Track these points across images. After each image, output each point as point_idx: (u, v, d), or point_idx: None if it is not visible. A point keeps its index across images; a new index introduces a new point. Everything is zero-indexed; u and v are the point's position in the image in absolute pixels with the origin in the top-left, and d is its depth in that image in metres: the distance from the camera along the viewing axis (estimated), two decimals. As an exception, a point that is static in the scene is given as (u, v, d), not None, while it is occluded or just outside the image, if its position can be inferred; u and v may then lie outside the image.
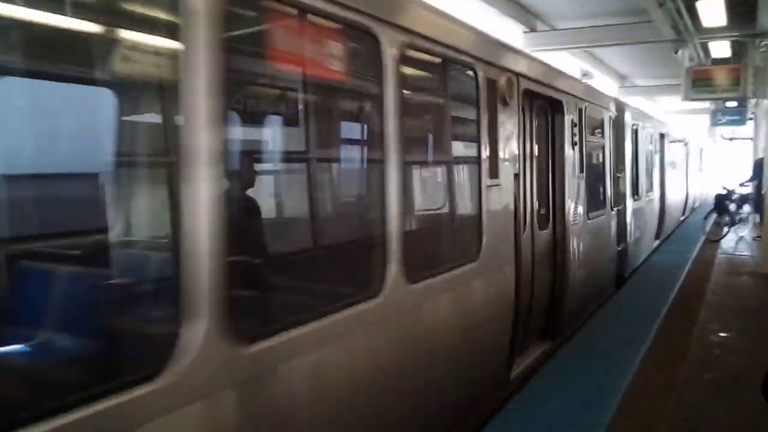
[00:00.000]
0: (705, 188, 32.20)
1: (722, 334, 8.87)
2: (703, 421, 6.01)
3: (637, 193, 13.85)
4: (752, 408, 4.65)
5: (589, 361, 7.70)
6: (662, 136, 17.77)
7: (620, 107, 12.29)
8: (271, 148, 5.75)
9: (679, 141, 21.99)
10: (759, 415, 4.37)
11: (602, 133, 10.84)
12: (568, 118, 8.60)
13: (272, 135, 5.90)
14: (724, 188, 21.32)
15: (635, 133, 13.67)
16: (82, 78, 4.44)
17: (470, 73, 5.79)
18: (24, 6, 3.43)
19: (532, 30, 15.48)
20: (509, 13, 14.34)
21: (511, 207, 6.62)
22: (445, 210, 6.31)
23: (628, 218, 12.77)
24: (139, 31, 3.81)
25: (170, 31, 2.99)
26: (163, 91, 3.83)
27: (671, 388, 6.78)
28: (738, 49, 16.69)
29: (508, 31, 14.69)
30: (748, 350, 7.97)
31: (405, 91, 4.77)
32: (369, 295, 4.26)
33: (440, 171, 6.48)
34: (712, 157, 38.59)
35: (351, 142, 5.76)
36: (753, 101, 19.80)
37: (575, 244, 8.75)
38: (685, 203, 24.46)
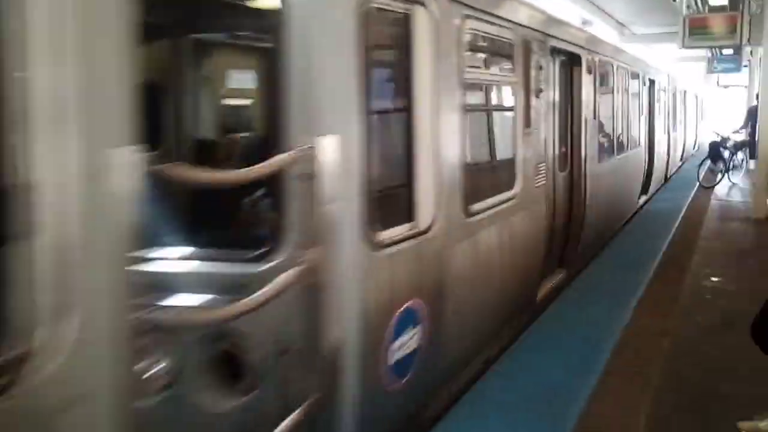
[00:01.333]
0: (703, 134, 32.44)
1: (714, 279, 9.13)
2: (697, 362, 6.28)
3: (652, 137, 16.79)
4: (743, 349, 4.89)
5: (586, 305, 7.98)
6: (676, 89, 19.39)
7: (638, 63, 14.82)
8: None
9: (687, 92, 22.47)
10: (750, 355, 4.61)
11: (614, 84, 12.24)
12: (587, 72, 9.87)
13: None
14: (718, 135, 21.47)
15: (647, 83, 15.95)
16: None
17: (510, 37, 6.92)
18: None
19: (531, -23, 15.48)
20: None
21: (542, 152, 7.90)
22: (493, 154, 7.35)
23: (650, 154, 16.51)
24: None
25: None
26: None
27: (665, 333, 7.04)
28: (735, -4, 16.75)
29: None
30: (739, 294, 8.21)
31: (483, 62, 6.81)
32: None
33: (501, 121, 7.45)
34: (708, 104, 38.68)
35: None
36: (748, 50, 19.85)
37: (591, 184, 9.83)
38: (684, 148, 24.95)
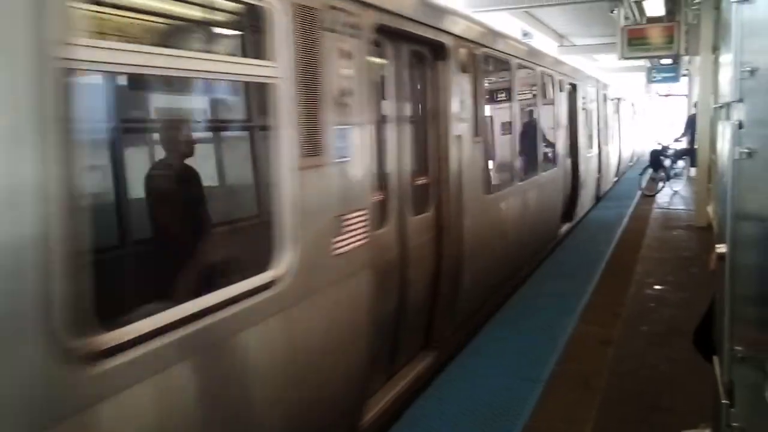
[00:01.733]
0: (644, 143, 33.01)
1: (657, 287, 9.19)
2: (641, 372, 6.29)
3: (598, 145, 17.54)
4: (687, 356, 4.89)
5: (531, 314, 7.94)
6: (605, 96, 18.93)
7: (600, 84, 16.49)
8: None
9: (622, 100, 22.75)
10: (694, 364, 4.60)
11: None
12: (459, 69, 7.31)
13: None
14: (659, 144, 21.80)
15: (605, 99, 17.81)
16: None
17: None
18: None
19: (473, -10, 15.57)
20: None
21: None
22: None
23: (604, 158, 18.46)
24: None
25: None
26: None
27: (608, 342, 7.04)
28: (671, 7, 17.03)
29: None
30: (682, 302, 8.27)
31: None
32: None
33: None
34: (649, 113, 39.40)
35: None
36: (686, 58, 20.21)
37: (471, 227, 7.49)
38: (619, 163, 25.33)
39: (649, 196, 18.83)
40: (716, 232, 3.71)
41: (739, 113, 2.97)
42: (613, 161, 21.56)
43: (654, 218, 15.36)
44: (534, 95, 11.09)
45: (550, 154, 11.89)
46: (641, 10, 17.23)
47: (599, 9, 16.75)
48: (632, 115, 29.78)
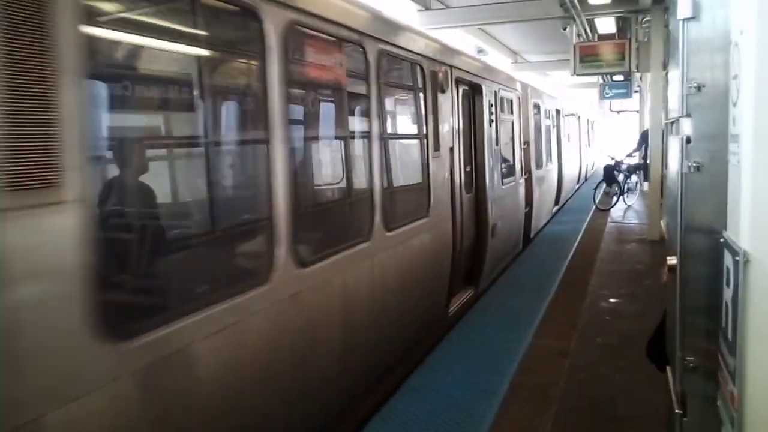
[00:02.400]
0: (596, 159, 33.49)
1: (612, 300, 9.31)
2: (597, 382, 6.36)
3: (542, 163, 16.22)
4: (641, 367, 4.97)
5: (483, 329, 7.99)
6: (558, 112, 19.03)
7: (531, 90, 14.86)
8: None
9: (573, 115, 22.89)
10: (650, 374, 4.67)
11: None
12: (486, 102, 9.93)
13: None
14: (612, 159, 22.10)
15: (538, 110, 15.79)
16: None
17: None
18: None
19: (426, 8, 15.66)
20: (403, -9, 14.48)
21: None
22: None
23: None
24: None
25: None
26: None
27: (565, 353, 7.11)
28: (622, 25, 17.34)
29: (401, 8, 14.82)
30: (636, 314, 8.39)
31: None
32: None
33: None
34: (601, 129, 39.97)
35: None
36: (638, 75, 20.56)
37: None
38: (579, 173, 25.57)
39: (604, 210, 19.08)
40: (668, 244, 3.78)
41: (686, 128, 3.04)
42: (552, 188, 18.37)
43: (608, 232, 15.57)
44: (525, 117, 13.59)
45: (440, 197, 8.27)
46: (593, 28, 17.52)
47: (552, 26, 16.97)
48: (590, 131, 30.21)
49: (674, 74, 3.47)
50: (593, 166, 32.49)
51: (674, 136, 3.44)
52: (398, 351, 6.70)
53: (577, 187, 24.64)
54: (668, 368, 3.61)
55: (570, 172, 22.03)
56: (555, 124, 18.81)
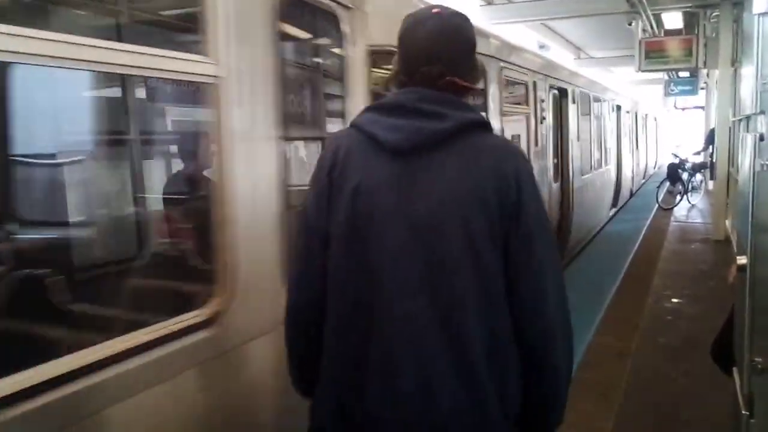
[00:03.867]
0: (660, 157, 32.96)
1: (675, 300, 9.16)
2: (659, 384, 6.27)
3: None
4: (705, 370, 4.88)
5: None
6: (618, 108, 18.62)
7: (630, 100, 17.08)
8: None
9: (634, 112, 22.63)
10: (713, 376, 4.59)
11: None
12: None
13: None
14: (676, 157, 21.71)
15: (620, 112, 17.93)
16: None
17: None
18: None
19: (489, 3, 15.59)
20: (466, -14, 14.41)
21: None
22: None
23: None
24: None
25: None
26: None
27: (626, 354, 7.03)
28: (690, 20, 16.98)
29: (463, 3, 14.76)
30: (700, 315, 8.23)
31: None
32: None
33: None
34: (666, 126, 39.32)
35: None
36: (705, 71, 20.16)
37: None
38: (642, 172, 25.31)
39: (667, 209, 18.77)
40: (736, 244, 3.70)
41: (760, 126, 2.98)
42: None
43: (671, 231, 15.31)
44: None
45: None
46: (659, 23, 17.19)
47: (617, 21, 16.72)
48: (656, 128, 29.89)
49: (748, 70, 3.40)
50: (656, 165, 31.89)
51: (746, 134, 3.37)
52: None
53: (643, 181, 24.45)
54: (735, 369, 3.54)
55: (630, 172, 21.59)
56: (615, 121, 17.74)
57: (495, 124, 7.38)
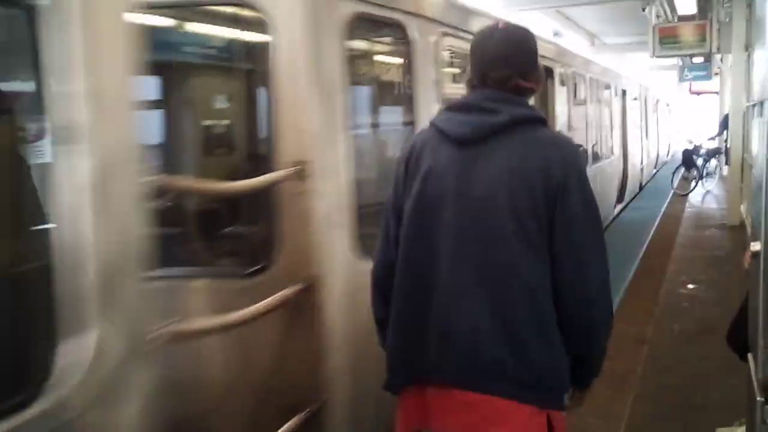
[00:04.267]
0: (674, 143, 32.77)
1: (690, 286, 9.16)
2: (675, 370, 6.29)
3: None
4: (720, 354, 4.90)
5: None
6: (624, 93, 18.12)
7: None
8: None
9: (642, 98, 22.40)
10: (728, 362, 4.61)
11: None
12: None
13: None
14: (691, 143, 21.60)
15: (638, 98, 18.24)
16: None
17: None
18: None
19: (504, -9, 15.55)
20: (480, -26, 14.36)
21: None
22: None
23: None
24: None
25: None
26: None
27: (643, 340, 7.04)
28: (703, 5, 16.87)
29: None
30: (716, 301, 8.24)
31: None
32: None
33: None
34: (680, 112, 39.09)
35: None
36: (719, 56, 20.04)
37: None
38: (653, 160, 25.10)
39: (682, 195, 18.71)
40: (750, 230, 3.71)
41: (773, 111, 2.99)
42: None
43: (687, 217, 15.28)
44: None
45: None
46: (673, 8, 17.11)
47: (631, 7, 16.63)
48: (672, 114, 29.56)
49: (760, 55, 3.40)
50: (668, 153, 31.48)
51: (758, 119, 3.38)
52: None
53: (654, 171, 23.99)
54: (750, 355, 3.56)
55: (639, 163, 19.78)
56: (620, 108, 16.38)
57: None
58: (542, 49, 11.25)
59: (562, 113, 10.01)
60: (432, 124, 2.76)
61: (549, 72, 9.52)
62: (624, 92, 16.72)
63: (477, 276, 2.51)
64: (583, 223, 2.49)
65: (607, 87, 14.45)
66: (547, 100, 9.63)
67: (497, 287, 2.49)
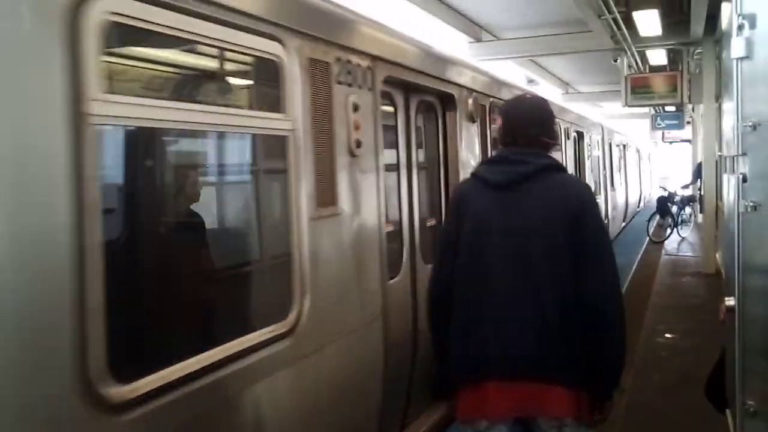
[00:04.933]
0: (650, 189, 32.97)
1: (668, 335, 9.16)
2: (655, 421, 6.25)
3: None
4: (700, 406, 4.87)
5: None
6: (620, 145, 18.43)
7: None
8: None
9: (631, 148, 22.62)
10: (707, 412, 4.58)
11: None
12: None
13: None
14: (665, 190, 21.80)
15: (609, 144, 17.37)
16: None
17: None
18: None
19: (477, 40, 15.74)
20: (454, 24, 14.54)
21: None
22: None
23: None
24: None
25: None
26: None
27: (621, 390, 6.99)
28: (674, 56, 17.21)
29: (453, 41, 14.91)
30: (693, 350, 8.24)
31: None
32: None
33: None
34: (654, 160, 39.48)
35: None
36: (690, 106, 20.36)
37: None
38: (626, 207, 25.09)
39: (657, 242, 18.82)
40: (725, 283, 3.71)
41: (743, 167, 3.01)
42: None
43: (663, 264, 15.35)
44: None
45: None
46: (644, 59, 17.42)
47: (603, 57, 16.90)
48: (646, 162, 29.49)
49: (729, 108, 3.45)
50: (640, 202, 31.21)
51: (730, 174, 3.40)
52: None
53: (623, 225, 23.68)
54: (728, 411, 3.53)
55: (618, 208, 19.45)
56: (601, 154, 16.38)
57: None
58: (625, 139, 15.50)
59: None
60: (473, 174, 3.64)
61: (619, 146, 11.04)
62: (580, 134, 14.10)
63: (521, 288, 3.26)
64: (596, 236, 3.32)
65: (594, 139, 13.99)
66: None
67: (537, 296, 3.24)
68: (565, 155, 11.72)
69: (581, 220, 3.26)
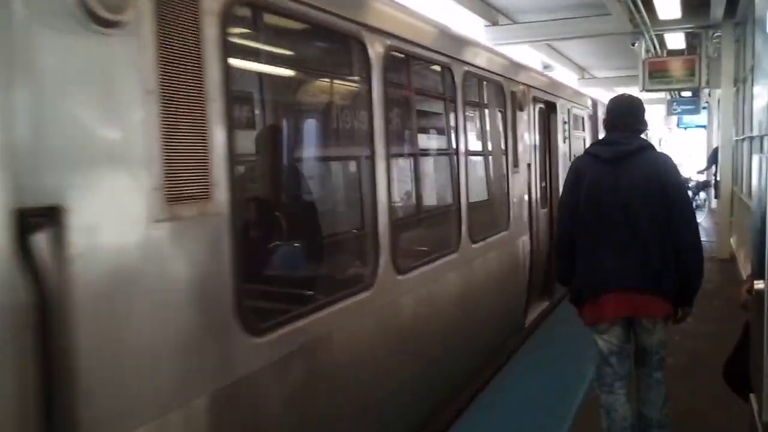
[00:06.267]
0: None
1: (681, 320, 9.09)
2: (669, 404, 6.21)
3: None
4: (714, 390, 4.87)
5: (557, 348, 7.96)
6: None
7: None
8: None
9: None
10: (720, 396, 4.57)
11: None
12: None
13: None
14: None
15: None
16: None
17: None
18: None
19: (494, 24, 15.62)
20: (470, 7, 14.44)
21: None
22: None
23: None
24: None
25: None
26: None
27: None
28: (692, 40, 17.05)
29: (469, 24, 14.79)
30: (707, 334, 8.21)
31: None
32: None
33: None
34: (669, 146, 39.27)
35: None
36: (707, 91, 20.23)
37: None
38: None
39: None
40: (753, 266, 3.66)
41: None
42: None
43: (676, 250, 15.24)
44: None
45: None
46: (662, 43, 17.26)
47: (620, 42, 16.76)
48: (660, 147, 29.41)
49: (759, 89, 3.40)
50: None
51: (758, 154, 3.35)
52: (479, 360, 7.00)
53: None
54: (752, 396, 3.50)
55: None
56: (589, 137, 13.19)
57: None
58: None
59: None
60: (586, 152, 5.11)
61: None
62: (549, 106, 10.22)
63: (629, 235, 4.56)
64: (682, 197, 4.69)
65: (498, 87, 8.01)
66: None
67: (642, 240, 4.53)
68: (503, 137, 7.97)
69: (670, 183, 4.59)
